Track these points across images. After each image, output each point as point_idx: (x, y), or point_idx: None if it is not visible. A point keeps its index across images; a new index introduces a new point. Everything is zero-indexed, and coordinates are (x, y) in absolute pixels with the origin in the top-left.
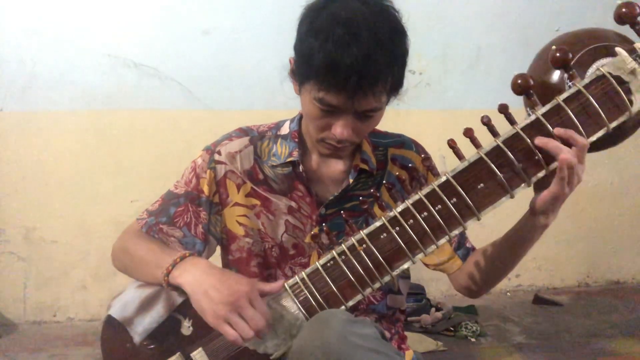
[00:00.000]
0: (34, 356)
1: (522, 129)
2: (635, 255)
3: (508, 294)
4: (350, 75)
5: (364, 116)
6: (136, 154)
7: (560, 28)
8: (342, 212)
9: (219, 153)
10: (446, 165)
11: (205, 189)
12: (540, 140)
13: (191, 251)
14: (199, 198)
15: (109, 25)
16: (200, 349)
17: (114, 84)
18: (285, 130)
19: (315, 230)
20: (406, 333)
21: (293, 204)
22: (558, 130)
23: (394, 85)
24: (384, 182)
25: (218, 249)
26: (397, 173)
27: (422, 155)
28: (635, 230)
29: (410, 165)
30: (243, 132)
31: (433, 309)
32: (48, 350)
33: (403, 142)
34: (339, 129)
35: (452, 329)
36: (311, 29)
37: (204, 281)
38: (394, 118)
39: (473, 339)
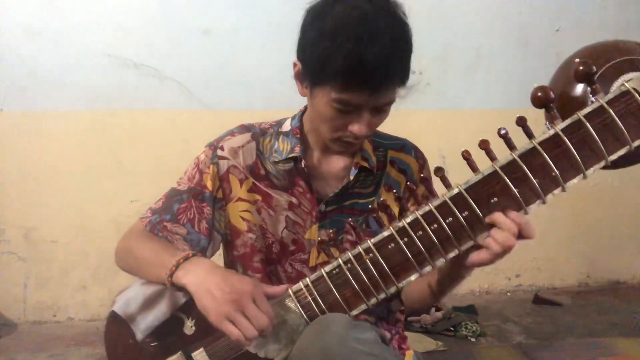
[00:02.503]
0: (34, 356)
1: (540, 143)
2: (635, 255)
3: (508, 294)
4: (374, 72)
5: (379, 110)
6: (136, 154)
7: (561, 28)
8: (350, 219)
9: (222, 148)
10: (446, 165)
11: (209, 184)
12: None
13: (196, 248)
14: (203, 193)
15: (109, 25)
16: (201, 349)
17: (114, 84)
18: (286, 127)
19: (315, 227)
20: (406, 333)
21: (294, 199)
22: (515, 216)
23: (407, 77)
24: (383, 184)
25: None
26: (394, 176)
27: (422, 175)
28: (635, 230)
29: (407, 171)
30: (245, 128)
31: (433, 309)
32: (48, 350)
33: (404, 145)
34: (358, 127)
35: (452, 329)
36: (323, 33)
37: (208, 281)
38: (394, 118)
39: (473, 339)
